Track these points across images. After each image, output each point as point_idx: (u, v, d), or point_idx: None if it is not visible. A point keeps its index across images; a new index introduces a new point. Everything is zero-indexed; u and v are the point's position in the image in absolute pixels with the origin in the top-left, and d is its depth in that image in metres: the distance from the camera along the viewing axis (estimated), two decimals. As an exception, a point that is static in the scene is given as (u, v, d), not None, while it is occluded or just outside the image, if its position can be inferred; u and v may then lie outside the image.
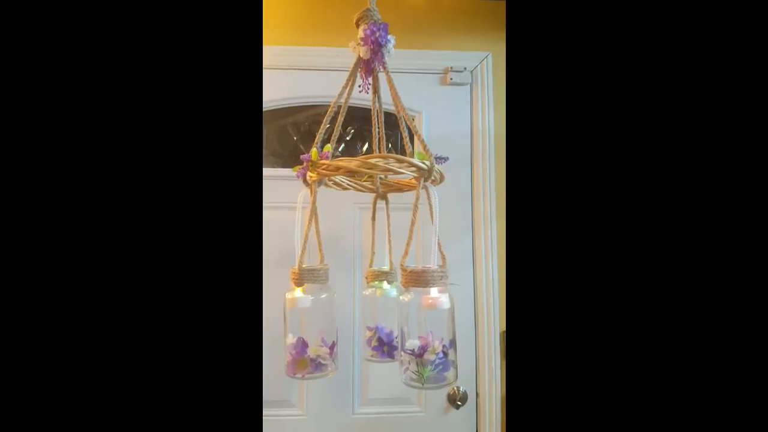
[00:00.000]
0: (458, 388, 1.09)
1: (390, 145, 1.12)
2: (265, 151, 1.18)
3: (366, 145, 1.20)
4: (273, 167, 1.15)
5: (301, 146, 1.17)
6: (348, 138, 1.21)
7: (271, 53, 1.12)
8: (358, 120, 1.17)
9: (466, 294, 1.13)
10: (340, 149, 1.21)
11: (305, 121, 1.19)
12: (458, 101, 1.18)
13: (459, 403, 1.09)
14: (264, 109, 1.14)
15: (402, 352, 0.53)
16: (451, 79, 1.16)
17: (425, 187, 0.55)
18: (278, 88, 1.13)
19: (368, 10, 0.63)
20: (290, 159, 1.16)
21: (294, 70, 1.14)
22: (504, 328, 1.12)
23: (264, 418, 1.04)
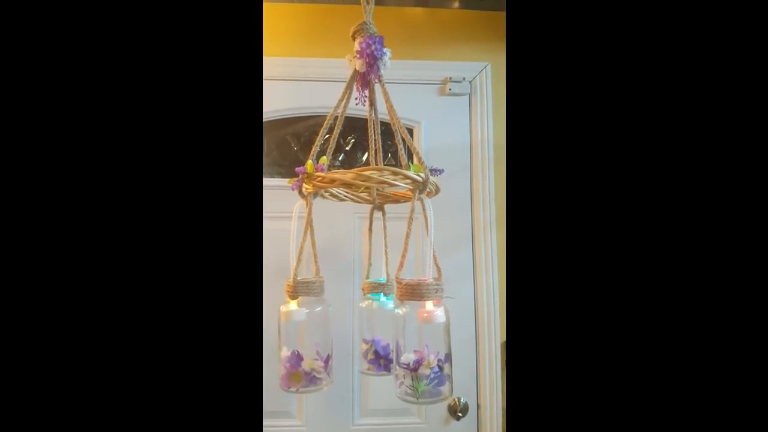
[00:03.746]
0: (459, 399, 1.08)
1: (389, 155, 1.12)
2: (265, 161, 1.18)
3: (366, 155, 1.20)
4: (273, 177, 1.16)
5: (301, 156, 1.18)
6: (348, 148, 1.22)
7: (271, 64, 1.13)
8: (358, 130, 1.18)
9: (467, 304, 1.12)
10: (340, 158, 1.21)
11: (305, 131, 1.19)
12: (457, 111, 1.18)
13: (460, 414, 1.08)
14: (264, 120, 1.15)
15: (397, 366, 0.53)
16: (450, 89, 1.17)
17: (420, 199, 0.55)
18: (278, 99, 1.14)
19: (364, 23, 0.63)
20: (290, 169, 1.17)
21: (294, 80, 1.15)
22: (505, 339, 1.11)
23: (263, 428, 1.03)
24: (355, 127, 1.16)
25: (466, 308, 1.12)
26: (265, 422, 1.04)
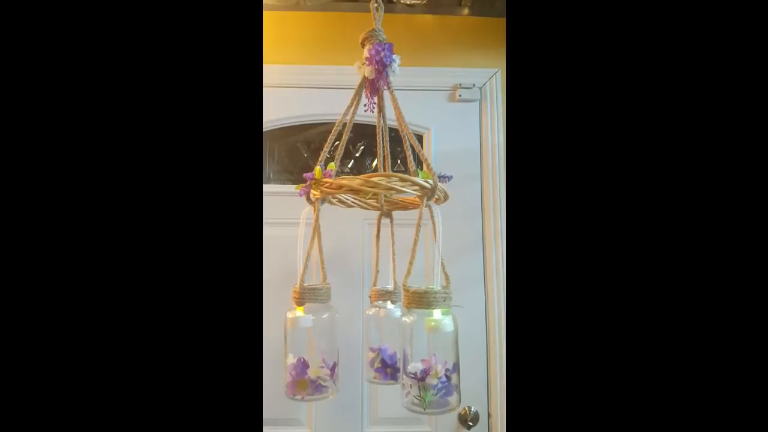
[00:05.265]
0: (469, 408, 1.07)
1: (399, 162, 1.12)
2: (276, 168, 1.19)
3: (375, 161, 1.20)
4: (284, 183, 1.16)
5: (311, 163, 1.19)
6: (357, 154, 1.22)
7: (281, 72, 1.14)
8: (367, 136, 1.18)
9: (477, 311, 1.11)
10: (349, 165, 1.22)
11: (315, 138, 1.20)
12: (467, 118, 1.17)
13: (470, 423, 1.06)
14: (275, 127, 1.16)
15: (404, 375, 0.52)
16: (460, 95, 1.16)
17: (428, 206, 0.54)
18: (289, 106, 1.15)
19: (373, 30, 0.63)
20: (300, 176, 1.17)
21: (304, 88, 1.16)
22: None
23: (272, 436, 1.03)
24: (364, 133, 1.16)
25: (477, 316, 1.10)
26: (274, 430, 1.03)
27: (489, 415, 1.08)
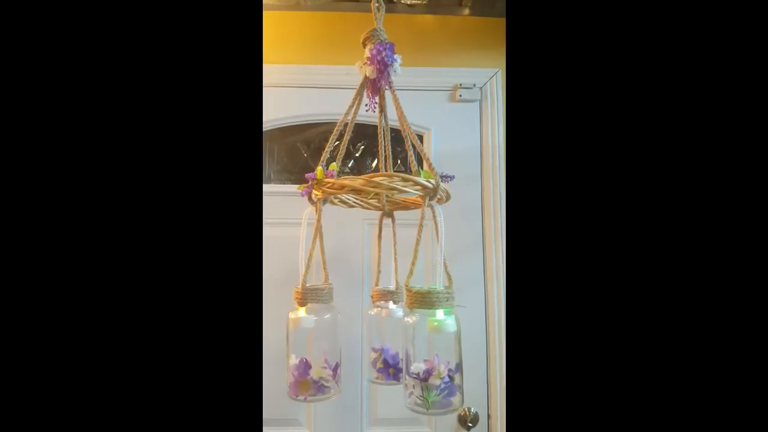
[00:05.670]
0: (469, 409, 1.07)
1: (399, 162, 1.12)
2: (276, 168, 1.19)
3: (375, 161, 1.20)
4: (284, 184, 1.16)
5: (311, 163, 1.18)
6: (357, 154, 1.22)
7: (282, 71, 1.14)
8: (368, 136, 1.18)
9: (477, 312, 1.10)
10: (350, 165, 1.21)
11: (316, 138, 1.20)
12: (468, 118, 1.17)
13: (470, 424, 1.06)
14: (275, 127, 1.16)
15: (407, 376, 0.52)
16: (461, 95, 1.16)
17: (431, 206, 0.54)
18: (289, 106, 1.15)
19: (375, 30, 0.63)
20: (301, 176, 1.17)
21: (305, 87, 1.16)
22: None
23: (271, 437, 1.03)
24: (365, 133, 1.16)
25: (477, 316, 1.10)
26: (273, 430, 1.03)
27: (489, 416, 1.08)
